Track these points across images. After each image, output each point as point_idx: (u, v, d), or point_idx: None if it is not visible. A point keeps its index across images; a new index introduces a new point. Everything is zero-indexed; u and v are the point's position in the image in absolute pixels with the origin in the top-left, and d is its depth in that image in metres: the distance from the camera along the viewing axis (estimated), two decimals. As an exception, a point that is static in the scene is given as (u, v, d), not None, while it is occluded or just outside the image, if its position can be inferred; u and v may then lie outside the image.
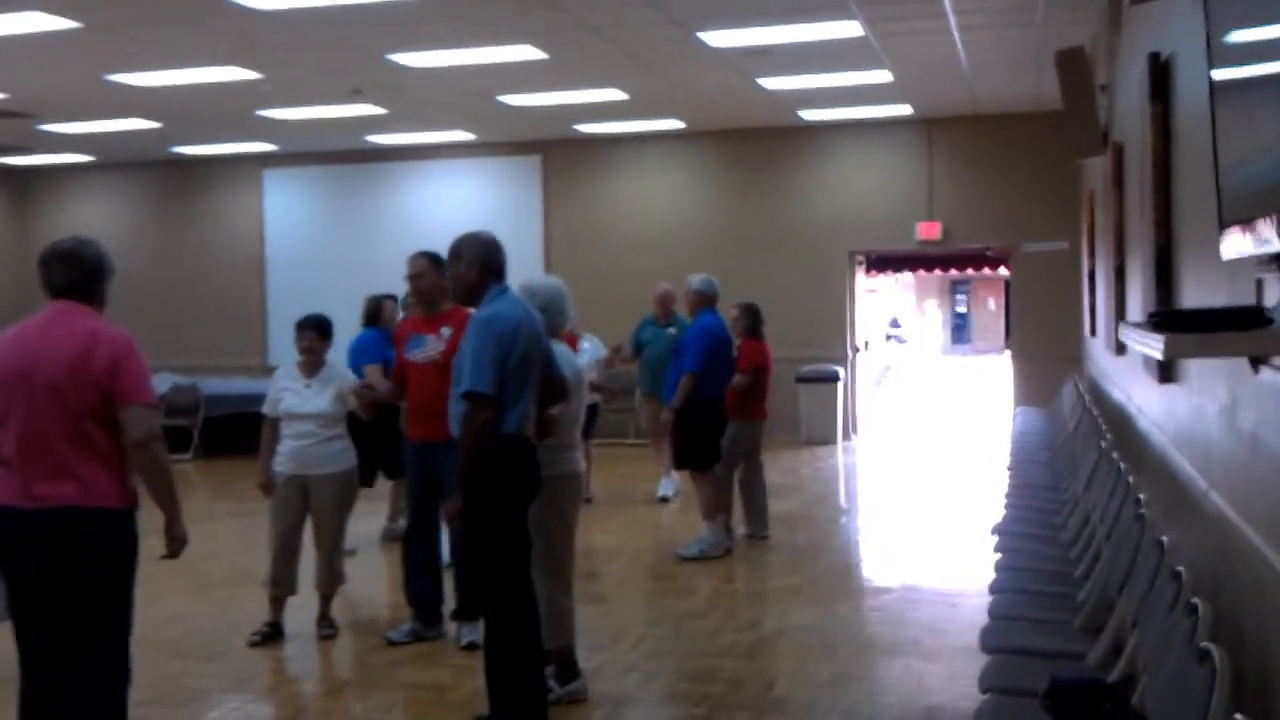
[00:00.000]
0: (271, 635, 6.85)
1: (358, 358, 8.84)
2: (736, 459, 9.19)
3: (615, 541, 9.34)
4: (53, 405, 4.23)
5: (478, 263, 5.20)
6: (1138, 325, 2.71)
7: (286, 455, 6.84)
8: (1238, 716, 2.41)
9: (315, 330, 6.93)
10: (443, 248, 5.57)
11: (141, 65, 10.67)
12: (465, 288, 5.25)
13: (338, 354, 7.26)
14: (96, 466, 4.27)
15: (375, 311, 9.31)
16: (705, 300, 9.03)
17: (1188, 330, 2.28)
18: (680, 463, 9.10)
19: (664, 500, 11.14)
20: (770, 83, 12.24)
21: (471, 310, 5.31)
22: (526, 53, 10.37)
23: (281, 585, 6.89)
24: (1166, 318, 2.43)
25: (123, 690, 4.50)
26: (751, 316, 9.34)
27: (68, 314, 4.35)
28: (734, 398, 9.00)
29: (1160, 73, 5.06)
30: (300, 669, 6.64)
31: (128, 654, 4.51)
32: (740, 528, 9.38)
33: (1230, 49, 2.86)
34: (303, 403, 6.81)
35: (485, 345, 4.98)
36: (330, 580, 6.98)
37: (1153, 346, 2.31)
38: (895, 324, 36.12)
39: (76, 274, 4.38)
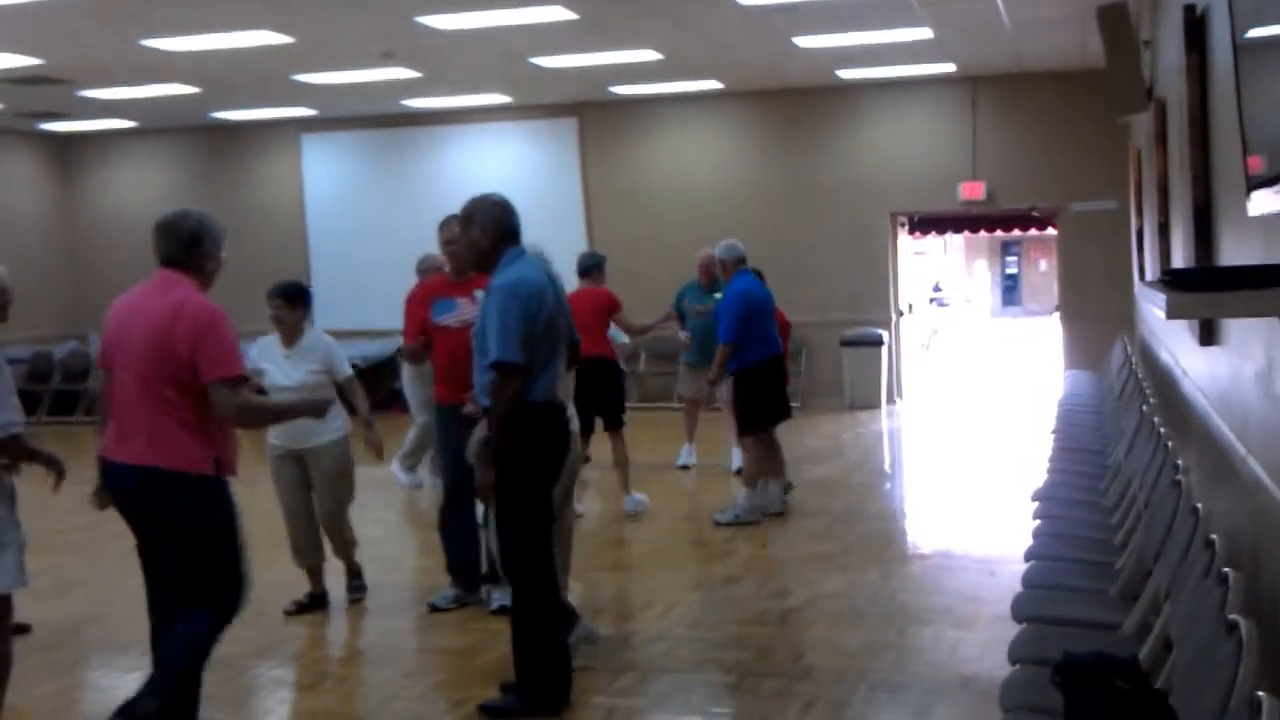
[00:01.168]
0: (310, 605, 6.80)
1: None
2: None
3: (651, 506, 9.25)
4: (138, 369, 4.52)
5: (492, 227, 5.10)
6: (1149, 284, 2.61)
7: (278, 430, 6.66)
8: (1260, 694, 2.30)
9: (281, 298, 6.65)
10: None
11: (175, 30, 10.62)
12: (479, 253, 5.15)
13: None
14: (176, 430, 4.51)
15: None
16: (734, 265, 8.98)
17: (1200, 289, 2.17)
18: (742, 431, 8.98)
19: (685, 469, 11.05)
20: (807, 41, 12.01)
21: None
22: (556, 13, 10.23)
23: (305, 555, 6.86)
24: (1179, 276, 2.32)
25: (189, 661, 4.64)
26: None
27: (167, 284, 4.63)
28: None
29: (1196, 26, 4.90)
30: (328, 634, 6.64)
31: (210, 626, 4.69)
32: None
33: (1254, 6, 2.74)
34: (282, 375, 6.59)
35: (511, 313, 4.88)
36: (342, 548, 6.92)
37: (1158, 305, 2.20)
38: (937, 288, 35.71)
39: (174, 245, 4.66)
